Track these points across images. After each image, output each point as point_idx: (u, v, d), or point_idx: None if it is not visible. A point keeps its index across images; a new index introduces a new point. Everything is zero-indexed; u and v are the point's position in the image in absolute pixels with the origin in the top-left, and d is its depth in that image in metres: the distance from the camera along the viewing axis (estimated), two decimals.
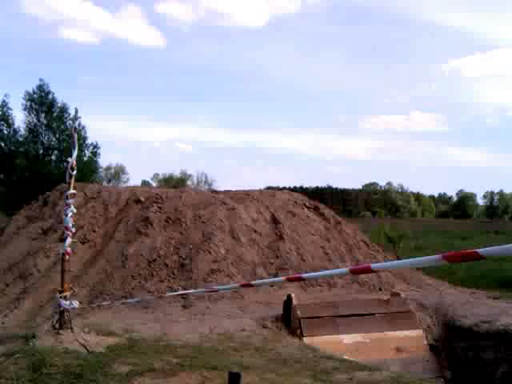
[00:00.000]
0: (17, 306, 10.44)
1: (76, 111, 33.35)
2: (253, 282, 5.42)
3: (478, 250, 2.21)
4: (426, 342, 8.97)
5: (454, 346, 9.01)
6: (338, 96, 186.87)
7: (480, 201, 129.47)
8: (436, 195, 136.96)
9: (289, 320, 8.66)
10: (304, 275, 3.76)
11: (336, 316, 8.76)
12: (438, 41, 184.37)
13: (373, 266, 3.03)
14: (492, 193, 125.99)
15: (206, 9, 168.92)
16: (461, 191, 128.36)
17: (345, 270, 3.34)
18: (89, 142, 33.67)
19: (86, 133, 32.79)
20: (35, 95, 32.33)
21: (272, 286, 11.25)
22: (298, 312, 8.52)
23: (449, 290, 12.73)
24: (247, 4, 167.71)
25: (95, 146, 33.95)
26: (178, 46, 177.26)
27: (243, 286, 6.86)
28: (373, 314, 9.01)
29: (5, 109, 32.17)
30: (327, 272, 4.81)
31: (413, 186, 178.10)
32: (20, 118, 33.18)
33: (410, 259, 2.79)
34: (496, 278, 15.82)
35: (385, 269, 10.58)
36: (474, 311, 9.50)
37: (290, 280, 4.70)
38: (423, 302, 10.25)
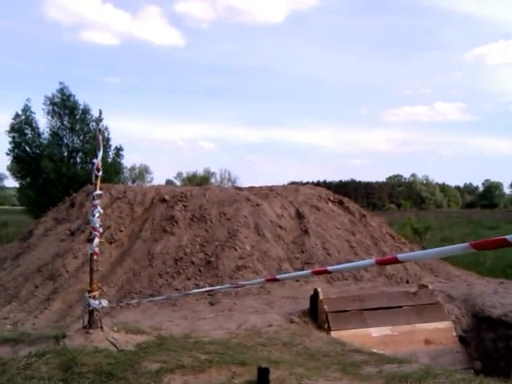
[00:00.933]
0: (47, 306, 10.58)
1: (100, 112, 33.58)
2: (278, 276, 5.42)
3: (506, 237, 2.19)
4: (455, 334, 8.91)
5: (484, 336, 8.93)
6: (360, 89, 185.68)
7: (507, 190, 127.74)
8: (462, 185, 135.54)
9: (316, 314, 8.66)
10: (329, 268, 3.74)
11: (363, 309, 8.73)
12: (460, 29, 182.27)
13: (399, 256, 3.00)
14: None
15: (225, 6, 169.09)
16: (487, 181, 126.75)
17: (371, 261, 3.32)
18: (112, 143, 33.99)
19: (109, 134, 33.10)
20: (57, 99, 32.66)
21: (298, 280, 11.25)
22: (325, 306, 8.51)
23: (477, 281, 12.61)
24: (265, 0, 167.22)
25: (119, 149, 34.27)
26: (198, 44, 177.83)
27: (269, 280, 6.85)
28: (400, 307, 8.96)
29: (28, 113, 32.56)
30: (353, 264, 4.76)
31: (438, 177, 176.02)
32: (43, 122, 33.56)
33: (438, 248, 2.75)
34: None
35: (412, 260, 10.49)
36: (503, 301, 9.41)
37: (315, 273, 4.68)
38: (451, 293, 10.17)
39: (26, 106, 32.55)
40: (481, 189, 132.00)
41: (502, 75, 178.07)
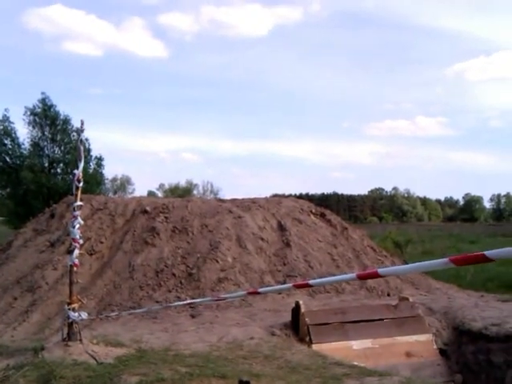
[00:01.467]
0: (25, 318, 10.46)
1: (82, 123, 33.36)
2: (260, 290, 5.42)
3: (485, 253, 2.22)
4: (435, 347, 8.93)
5: (464, 349, 8.96)
6: (342, 102, 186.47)
7: (487, 204, 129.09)
8: (442, 199, 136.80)
9: (297, 327, 8.64)
10: (311, 281, 3.74)
11: (345, 322, 8.73)
12: (441, 44, 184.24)
13: (379, 270, 3.01)
14: (499, 195, 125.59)
15: (209, 19, 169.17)
16: (467, 195, 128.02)
17: (352, 275, 3.33)
18: (93, 154, 33.82)
19: (90, 145, 32.89)
20: (38, 109, 32.45)
21: (280, 293, 11.24)
22: (307, 319, 8.50)
23: (457, 294, 12.68)
24: (250, 13, 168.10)
25: (99, 159, 34.11)
26: (182, 56, 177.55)
27: (250, 293, 6.85)
28: (382, 320, 8.97)
29: (6, 123, 32.30)
30: (334, 278, 4.77)
31: (419, 191, 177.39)
32: (23, 132, 33.37)
33: (418, 263, 2.77)
34: (505, 280, 15.77)
35: (392, 275, 10.54)
36: (483, 314, 9.45)
37: (297, 287, 4.68)
38: (432, 306, 10.21)
39: (5, 116, 32.33)
40: (461, 202, 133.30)
41: (482, 91, 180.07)
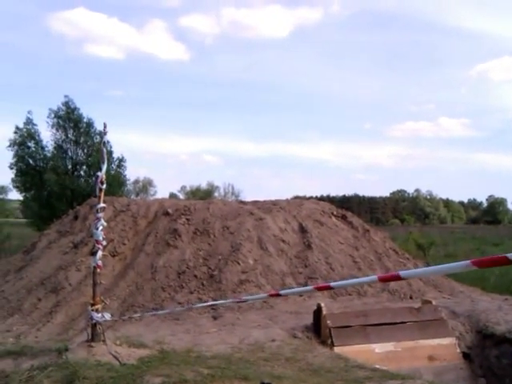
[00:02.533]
0: (49, 319, 10.56)
1: (104, 126, 33.49)
2: (281, 292, 5.43)
3: (507, 255, 2.20)
4: (458, 350, 8.85)
5: (488, 353, 8.87)
6: (364, 104, 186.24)
7: (511, 206, 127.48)
8: (465, 201, 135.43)
9: (319, 329, 8.62)
10: (332, 284, 3.72)
11: (367, 325, 8.69)
12: (464, 45, 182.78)
13: (402, 273, 3.00)
14: None
15: (229, 21, 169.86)
16: (491, 196, 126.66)
17: (373, 277, 3.30)
18: (115, 156, 33.97)
19: (111, 147, 33.05)
20: (62, 112, 32.68)
21: (301, 295, 11.21)
22: (329, 321, 8.48)
23: (481, 297, 12.54)
24: (270, 15, 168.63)
25: (121, 160, 34.28)
26: (202, 58, 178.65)
27: (272, 295, 6.83)
28: (404, 323, 8.92)
29: (29, 126, 32.55)
30: (355, 280, 4.77)
31: (441, 193, 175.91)
32: (46, 135, 33.55)
33: (439, 266, 2.76)
34: None
35: (414, 277, 10.45)
36: (507, 318, 9.35)
37: (318, 289, 4.66)
38: (455, 309, 10.12)
39: (28, 118, 32.58)
40: (485, 205, 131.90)
41: (507, 91, 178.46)
